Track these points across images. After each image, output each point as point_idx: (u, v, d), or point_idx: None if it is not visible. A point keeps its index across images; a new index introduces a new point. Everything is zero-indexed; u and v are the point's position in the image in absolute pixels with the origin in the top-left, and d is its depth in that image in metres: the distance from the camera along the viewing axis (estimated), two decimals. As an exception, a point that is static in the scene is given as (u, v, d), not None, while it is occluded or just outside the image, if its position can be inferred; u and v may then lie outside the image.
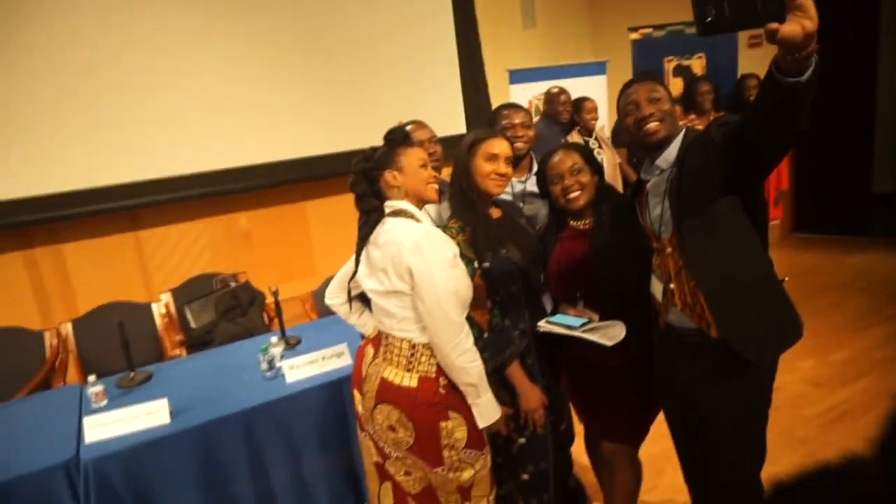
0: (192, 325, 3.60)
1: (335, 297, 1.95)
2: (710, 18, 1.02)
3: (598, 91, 4.66)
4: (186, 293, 3.74)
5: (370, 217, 1.72)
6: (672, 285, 1.63)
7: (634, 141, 1.66)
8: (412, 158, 1.70)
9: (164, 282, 4.25)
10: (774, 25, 1.03)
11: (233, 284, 3.74)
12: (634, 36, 4.79)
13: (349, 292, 1.87)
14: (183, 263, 4.45)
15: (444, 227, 1.85)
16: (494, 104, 4.98)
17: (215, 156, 4.33)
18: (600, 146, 4.06)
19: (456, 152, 1.92)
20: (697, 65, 4.72)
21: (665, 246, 1.63)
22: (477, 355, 1.63)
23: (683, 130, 1.64)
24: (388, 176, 1.69)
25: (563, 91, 4.06)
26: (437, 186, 1.73)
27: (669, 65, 4.78)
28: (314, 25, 4.46)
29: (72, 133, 3.93)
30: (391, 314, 1.67)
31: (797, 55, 1.07)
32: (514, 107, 2.34)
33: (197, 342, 3.50)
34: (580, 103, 4.15)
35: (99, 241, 4.23)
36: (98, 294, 4.04)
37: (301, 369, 2.33)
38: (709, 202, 1.48)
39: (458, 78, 5.06)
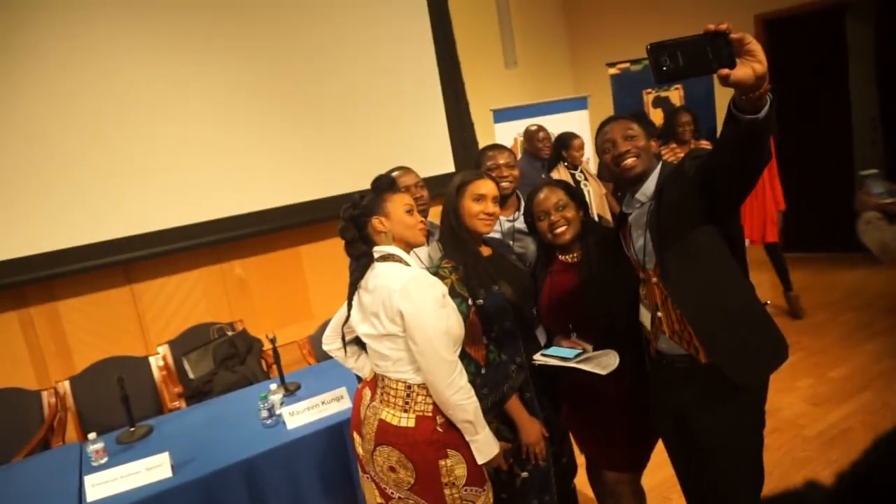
0: (191, 375, 3.60)
1: (331, 343, 1.98)
2: (665, 67, 1.09)
3: (581, 125, 4.78)
4: (184, 344, 3.75)
5: (360, 262, 1.77)
6: (660, 314, 1.67)
7: (614, 176, 1.72)
8: (398, 204, 1.76)
9: (161, 334, 4.26)
10: (725, 71, 1.10)
11: (230, 333, 3.76)
12: (613, 71, 4.94)
13: (343, 337, 1.91)
14: (179, 314, 4.47)
15: (437, 267, 1.91)
16: (481, 143, 5.10)
17: (207, 206, 4.39)
18: (586, 178, 4.14)
19: (445, 193, 1.99)
20: (675, 95, 4.86)
21: (650, 276, 1.68)
22: (472, 392, 1.66)
23: (660, 164, 1.71)
24: (376, 222, 1.75)
25: (541, 128, 4.17)
26: (424, 230, 1.79)
27: (649, 97, 4.91)
28: (300, 72, 4.59)
29: (63, 191, 3.99)
30: (386, 357, 1.70)
31: (751, 95, 1.15)
32: (498, 148, 2.42)
33: (196, 392, 3.49)
34: (568, 140, 4.22)
35: (94, 296, 4.25)
36: (95, 350, 4.05)
37: (301, 415, 2.34)
38: (687, 232, 1.54)
39: (444, 119, 5.18)
